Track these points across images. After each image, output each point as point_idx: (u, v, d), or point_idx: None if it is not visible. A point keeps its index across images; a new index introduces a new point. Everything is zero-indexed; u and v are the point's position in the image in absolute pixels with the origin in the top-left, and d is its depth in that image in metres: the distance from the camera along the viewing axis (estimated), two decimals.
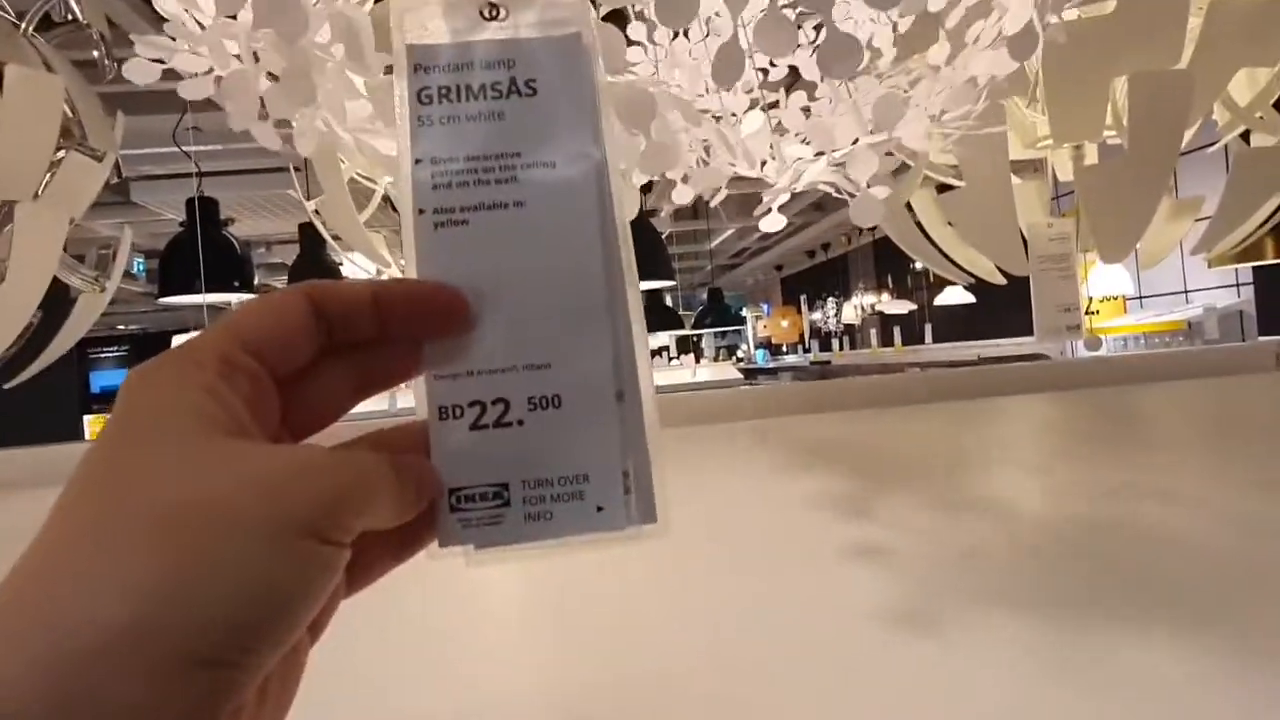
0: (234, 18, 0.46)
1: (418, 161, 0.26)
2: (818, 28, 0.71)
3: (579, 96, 0.27)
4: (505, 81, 0.27)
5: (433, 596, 0.56)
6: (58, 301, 1.26)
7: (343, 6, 0.40)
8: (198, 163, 3.25)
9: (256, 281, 3.26)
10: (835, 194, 0.69)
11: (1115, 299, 5.71)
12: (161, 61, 0.49)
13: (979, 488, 0.79)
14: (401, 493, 0.23)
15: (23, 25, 1.02)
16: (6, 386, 1.22)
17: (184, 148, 2.98)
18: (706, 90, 0.64)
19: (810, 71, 0.69)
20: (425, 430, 0.25)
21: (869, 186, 0.62)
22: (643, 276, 3.84)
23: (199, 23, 0.51)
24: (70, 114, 1.01)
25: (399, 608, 0.52)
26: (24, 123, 0.91)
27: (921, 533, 0.63)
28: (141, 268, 6.40)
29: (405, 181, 0.26)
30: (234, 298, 3.06)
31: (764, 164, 0.62)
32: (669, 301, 7.97)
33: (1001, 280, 1.31)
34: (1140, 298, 5.77)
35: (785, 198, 0.64)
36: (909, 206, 1.24)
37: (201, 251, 2.96)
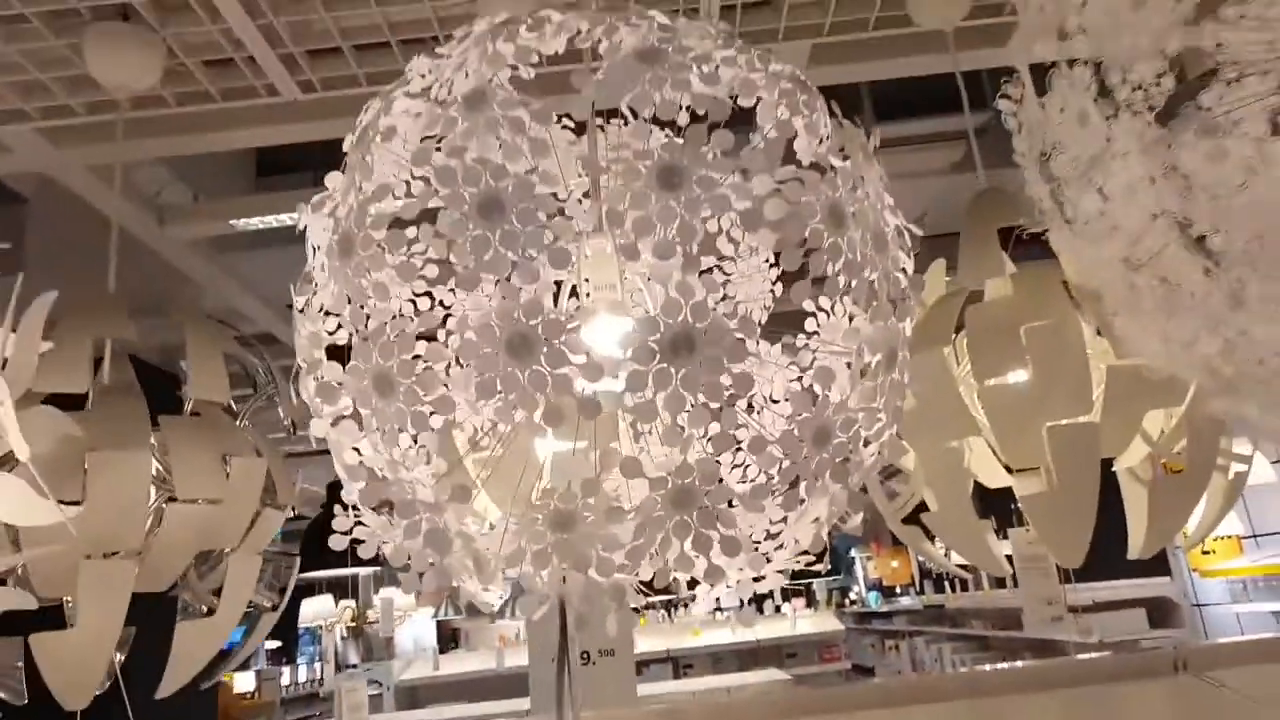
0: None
1: None
2: None
3: None
4: None
5: None
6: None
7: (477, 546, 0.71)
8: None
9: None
10: None
11: (1230, 538, 5.54)
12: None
13: None
14: None
15: (240, 418, 1.45)
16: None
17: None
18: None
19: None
20: None
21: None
22: None
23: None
24: (269, 478, 1.41)
25: None
26: (241, 496, 1.30)
27: None
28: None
29: None
30: (362, 571, 3.44)
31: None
32: None
33: (1006, 571, 1.53)
34: (1255, 536, 5.58)
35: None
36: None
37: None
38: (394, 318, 0.68)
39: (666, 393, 0.59)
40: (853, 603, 11.34)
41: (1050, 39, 0.97)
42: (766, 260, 0.96)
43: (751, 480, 0.72)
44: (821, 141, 0.74)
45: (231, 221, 2.83)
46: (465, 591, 0.73)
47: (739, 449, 0.67)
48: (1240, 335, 0.93)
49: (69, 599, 1.19)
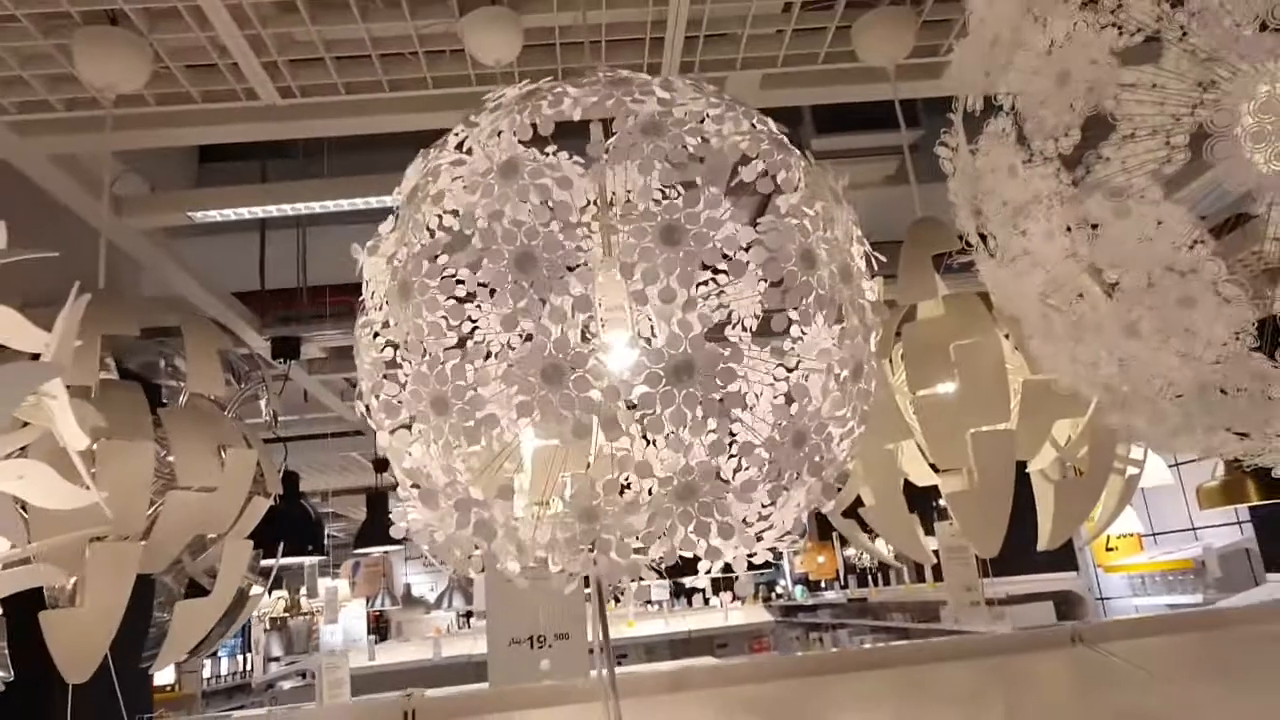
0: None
1: None
2: None
3: None
4: None
5: None
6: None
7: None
8: (284, 439, 3.81)
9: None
10: None
11: (1131, 536, 5.93)
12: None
13: None
14: None
15: (228, 410, 1.53)
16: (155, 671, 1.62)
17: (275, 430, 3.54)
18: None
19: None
20: None
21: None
22: None
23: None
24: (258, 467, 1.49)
25: None
26: (234, 484, 1.38)
27: None
28: None
29: None
30: (308, 560, 3.48)
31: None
32: None
33: (932, 560, 1.71)
34: (1154, 534, 5.97)
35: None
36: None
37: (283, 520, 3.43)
38: (446, 350, 0.80)
39: (671, 409, 0.72)
40: (779, 596, 11.65)
41: (979, 92, 1.14)
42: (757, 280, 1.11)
43: (743, 473, 0.85)
44: (796, 189, 0.88)
45: (188, 213, 2.85)
46: (507, 571, 0.85)
47: (732, 452, 0.80)
48: (1133, 360, 1.10)
49: (73, 581, 1.26)
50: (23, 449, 1.06)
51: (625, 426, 0.74)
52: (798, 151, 0.91)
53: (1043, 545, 1.47)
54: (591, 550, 0.76)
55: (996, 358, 1.42)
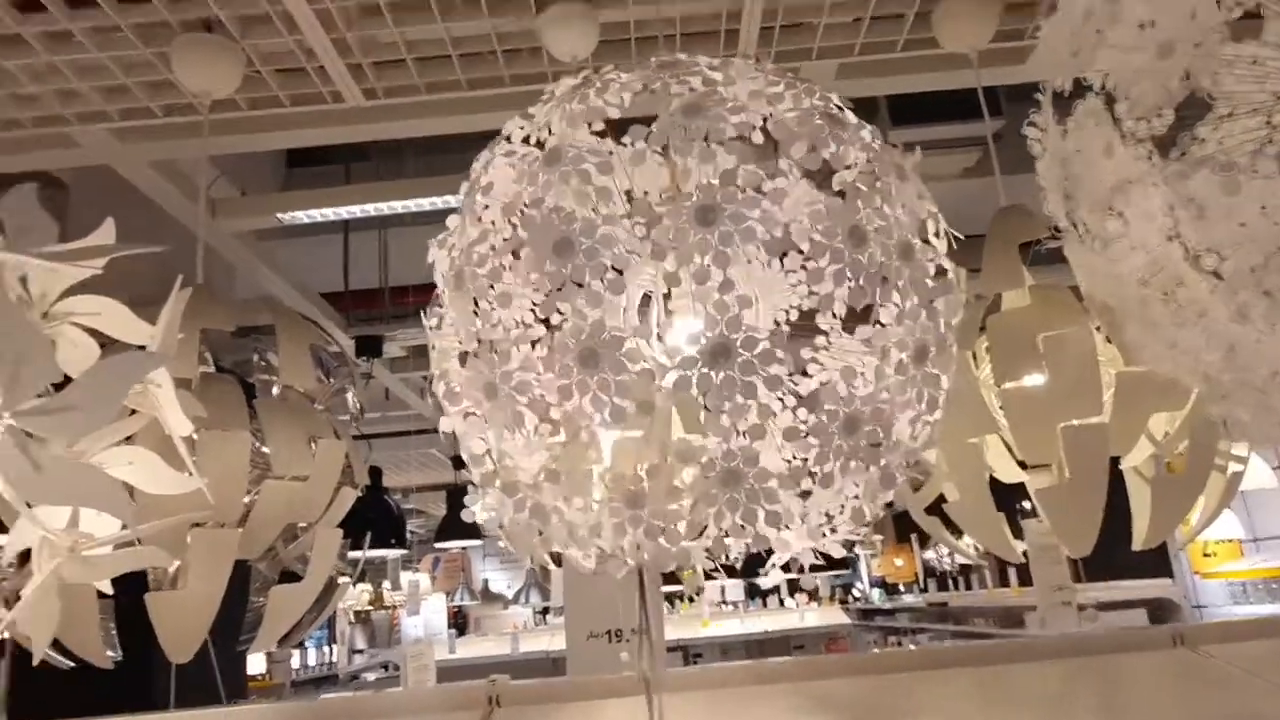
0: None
1: None
2: None
3: None
4: None
5: None
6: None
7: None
8: (367, 436, 3.92)
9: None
10: None
11: (1230, 541, 5.66)
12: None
13: None
14: None
15: (318, 403, 1.58)
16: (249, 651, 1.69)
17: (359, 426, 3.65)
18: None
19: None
20: None
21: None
22: None
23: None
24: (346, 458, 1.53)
25: None
26: (324, 474, 1.43)
27: None
28: None
29: None
30: (390, 553, 3.58)
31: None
32: None
33: (1020, 558, 1.66)
34: (1255, 540, 5.69)
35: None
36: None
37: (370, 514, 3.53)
38: (494, 337, 0.82)
39: (710, 393, 0.72)
40: (855, 599, 11.46)
41: (1068, 74, 1.10)
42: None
43: (787, 460, 0.83)
44: (849, 168, 0.86)
45: (278, 215, 2.95)
46: (568, 557, 0.86)
47: (777, 438, 0.79)
48: (1239, 347, 1.05)
49: (174, 566, 1.32)
50: (128, 437, 1.11)
51: (665, 411, 0.74)
52: (860, 126, 0.89)
53: (1138, 545, 1.41)
54: (636, 535, 0.76)
55: (1088, 348, 1.37)
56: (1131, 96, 1.05)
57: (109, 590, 1.11)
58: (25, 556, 1.06)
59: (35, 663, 1.00)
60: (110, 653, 1.51)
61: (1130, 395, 1.36)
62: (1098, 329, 1.45)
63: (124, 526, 0.99)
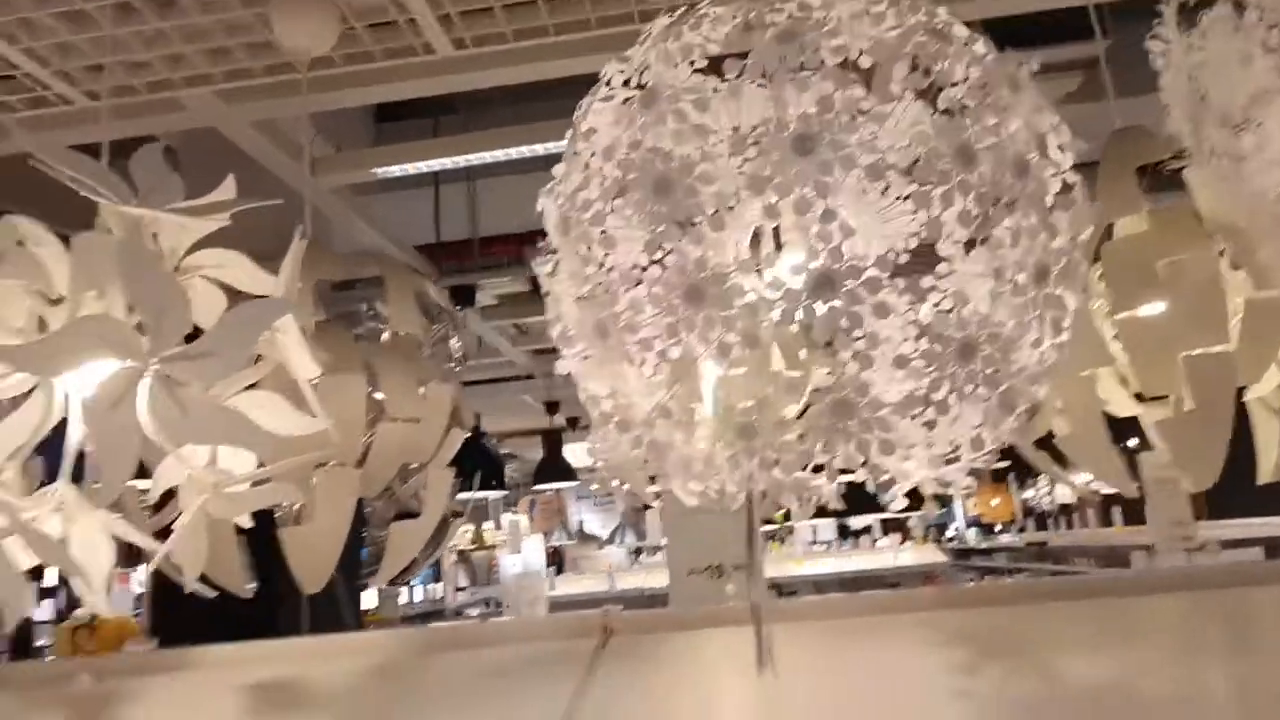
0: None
1: None
2: None
3: None
4: None
5: None
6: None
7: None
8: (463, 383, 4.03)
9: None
10: None
11: None
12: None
13: None
14: None
15: (425, 348, 1.63)
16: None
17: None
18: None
19: None
20: None
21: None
22: None
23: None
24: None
25: None
26: (435, 416, 1.49)
27: None
28: None
29: None
30: (491, 494, 3.70)
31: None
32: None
33: (1134, 492, 1.61)
34: None
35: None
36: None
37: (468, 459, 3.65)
38: (600, 280, 0.83)
39: (815, 324, 0.72)
40: (950, 539, 11.32)
41: None
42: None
43: (900, 389, 0.82)
44: (955, 85, 0.83)
45: (373, 170, 3.03)
46: (672, 494, 0.88)
47: (897, 364, 0.78)
48: None
49: (298, 505, 1.40)
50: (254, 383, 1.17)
51: (769, 345, 0.74)
52: (971, 40, 0.86)
53: (1263, 479, 1.35)
54: (750, 466, 0.77)
55: (1212, 273, 1.31)
56: (1264, 4, 0.98)
57: (247, 524, 1.18)
58: (163, 498, 1.14)
59: (187, 592, 1.08)
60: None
61: (1260, 322, 1.29)
62: (1221, 254, 1.37)
63: (259, 465, 1.06)
